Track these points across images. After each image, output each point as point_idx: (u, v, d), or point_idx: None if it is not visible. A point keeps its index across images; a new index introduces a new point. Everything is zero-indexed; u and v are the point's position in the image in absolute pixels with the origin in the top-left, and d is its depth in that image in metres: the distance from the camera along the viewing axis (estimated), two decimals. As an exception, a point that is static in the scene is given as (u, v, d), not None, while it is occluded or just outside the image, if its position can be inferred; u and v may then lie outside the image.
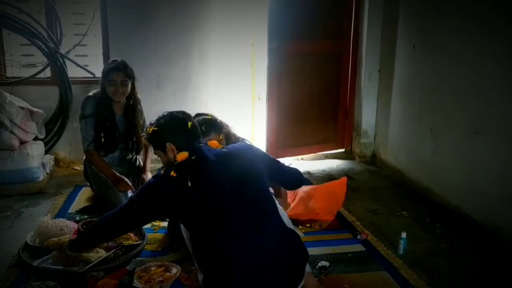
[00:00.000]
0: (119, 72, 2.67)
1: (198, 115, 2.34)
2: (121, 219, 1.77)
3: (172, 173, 1.63)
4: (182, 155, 1.70)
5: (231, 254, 1.56)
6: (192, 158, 1.68)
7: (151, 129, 1.81)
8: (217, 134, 2.29)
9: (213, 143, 1.80)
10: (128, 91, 2.76)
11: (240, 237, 1.58)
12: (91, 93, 2.82)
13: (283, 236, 1.67)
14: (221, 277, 1.57)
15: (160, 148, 1.78)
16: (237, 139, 2.49)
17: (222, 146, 1.82)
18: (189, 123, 1.78)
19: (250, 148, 1.89)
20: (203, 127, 2.24)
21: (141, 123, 2.92)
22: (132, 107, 2.86)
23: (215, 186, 1.64)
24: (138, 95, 2.92)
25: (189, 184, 1.59)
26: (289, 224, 1.92)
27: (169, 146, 1.74)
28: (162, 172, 1.69)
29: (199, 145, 1.75)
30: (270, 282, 1.57)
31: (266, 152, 2.01)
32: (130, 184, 2.72)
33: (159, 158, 1.87)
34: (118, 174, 2.74)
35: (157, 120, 1.82)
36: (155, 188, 1.68)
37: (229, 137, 2.46)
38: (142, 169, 2.94)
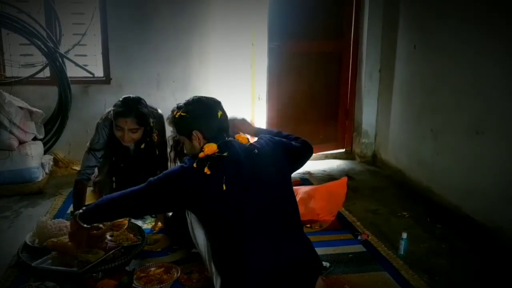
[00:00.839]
0: (127, 120, 2.26)
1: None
2: (136, 200, 1.63)
3: (206, 170, 1.51)
4: (211, 148, 1.58)
5: (251, 262, 1.52)
6: (224, 154, 1.57)
7: (178, 114, 1.68)
8: None
9: (241, 137, 1.68)
10: (138, 137, 2.36)
11: (262, 245, 1.54)
12: (104, 118, 2.45)
13: (303, 249, 1.63)
14: (239, 284, 1.53)
15: (185, 134, 1.67)
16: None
17: (249, 142, 1.69)
18: (219, 113, 1.67)
19: (274, 144, 1.74)
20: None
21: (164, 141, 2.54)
22: (145, 152, 2.47)
23: (246, 190, 1.55)
24: (158, 136, 2.50)
25: (224, 188, 1.50)
26: None
27: (196, 134, 1.63)
28: (194, 165, 1.54)
29: (228, 139, 1.64)
30: None
31: (291, 146, 1.85)
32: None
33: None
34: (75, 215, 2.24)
35: (185, 104, 1.69)
36: (181, 179, 1.55)
37: None
38: None
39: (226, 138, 1.64)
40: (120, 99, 2.34)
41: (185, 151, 1.81)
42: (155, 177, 1.61)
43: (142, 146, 2.46)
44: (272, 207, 1.60)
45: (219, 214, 1.57)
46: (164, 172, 1.63)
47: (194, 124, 1.65)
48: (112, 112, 2.33)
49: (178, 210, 2.24)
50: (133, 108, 2.27)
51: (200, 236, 1.71)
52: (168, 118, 1.76)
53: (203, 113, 1.66)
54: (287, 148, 1.80)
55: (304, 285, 1.61)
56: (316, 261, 1.69)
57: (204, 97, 1.74)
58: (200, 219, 1.67)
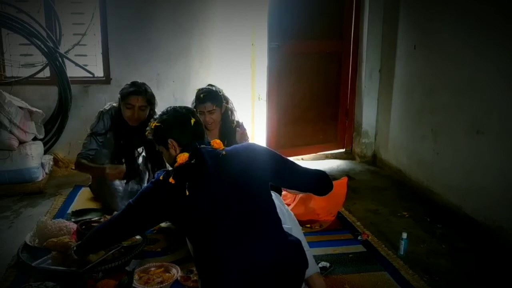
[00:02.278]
0: (139, 97, 2.52)
1: (209, 85, 2.53)
2: (120, 224, 1.72)
3: (171, 180, 1.58)
4: (183, 157, 1.64)
5: (224, 264, 1.53)
6: (192, 161, 1.62)
7: (153, 124, 1.76)
8: (212, 104, 2.40)
9: (216, 142, 1.72)
10: (145, 117, 2.57)
11: (233, 248, 1.54)
12: (107, 108, 2.66)
13: (279, 248, 1.60)
14: (215, 286, 1.55)
15: (162, 144, 1.74)
16: (233, 122, 2.61)
17: (223, 147, 1.72)
18: (192, 120, 1.72)
19: (252, 150, 1.74)
20: (201, 95, 2.37)
21: None
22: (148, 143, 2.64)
23: (212, 195, 1.58)
24: None
25: (187, 193, 1.54)
26: (295, 224, 1.90)
27: (171, 142, 1.70)
28: (161, 177, 1.62)
29: (200, 146, 1.68)
30: None
31: (276, 152, 1.78)
32: (120, 171, 2.53)
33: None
34: (105, 166, 2.55)
35: (160, 115, 1.78)
36: (152, 194, 1.63)
37: (228, 115, 2.57)
38: None
39: (199, 145, 1.67)
40: (128, 83, 2.60)
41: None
42: (133, 198, 1.68)
43: (147, 133, 2.54)
44: (243, 208, 1.59)
45: (189, 221, 1.60)
46: (140, 190, 1.71)
47: (169, 133, 1.71)
48: (121, 93, 2.54)
49: None
50: (143, 87, 2.55)
51: (188, 241, 1.77)
52: (146, 131, 1.83)
53: (176, 121, 1.72)
54: (276, 157, 1.76)
55: (284, 285, 1.59)
56: (297, 261, 1.64)
57: (178, 106, 1.80)
58: (179, 228, 1.70)
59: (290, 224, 1.88)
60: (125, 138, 2.65)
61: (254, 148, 1.74)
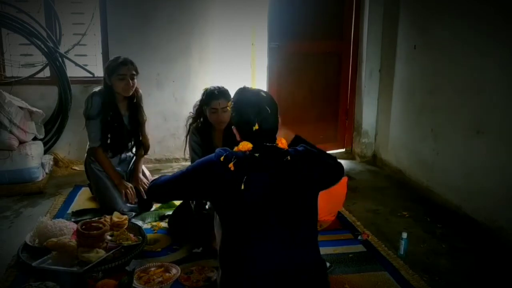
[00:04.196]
0: (128, 66, 2.68)
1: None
2: (172, 185, 1.71)
3: (231, 166, 1.54)
4: (246, 145, 1.60)
5: (253, 261, 1.53)
6: (255, 155, 1.58)
7: (230, 104, 1.74)
8: (226, 101, 2.40)
9: (282, 142, 1.67)
10: (135, 85, 2.74)
11: (267, 249, 1.53)
12: (96, 90, 2.75)
13: (307, 264, 1.60)
14: (236, 280, 1.55)
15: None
16: None
17: (287, 148, 1.68)
18: (256, 121, 1.62)
19: (312, 156, 1.69)
20: (215, 91, 2.47)
21: (144, 120, 2.90)
22: (136, 105, 2.85)
23: (265, 194, 1.56)
24: (140, 92, 2.90)
25: (242, 187, 1.51)
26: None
27: (234, 129, 1.69)
28: (222, 158, 1.56)
29: (265, 143, 1.62)
30: None
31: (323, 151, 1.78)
32: (131, 191, 2.74)
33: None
34: (121, 178, 2.77)
35: (235, 94, 1.76)
36: (206, 171, 1.59)
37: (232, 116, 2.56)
38: (134, 177, 2.85)
39: (263, 140, 1.62)
40: (112, 58, 2.74)
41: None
42: (190, 166, 1.72)
43: (135, 100, 2.79)
44: (288, 214, 1.58)
45: (232, 210, 1.58)
46: (197, 160, 1.70)
47: (232, 119, 1.70)
48: (110, 68, 2.66)
49: (185, 206, 2.42)
50: (127, 58, 2.72)
51: (219, 233, 1.73)
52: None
53: (238, 111, 1.67)
54: (323, 163, 1.77)
55: None
56: (319, 284, 1.64)
57: (247, 93, 1.75)
58: (216, 211, 1.70)
59: None
60: (114, 117, 2.73)
61: (317, 159, 1.70)
